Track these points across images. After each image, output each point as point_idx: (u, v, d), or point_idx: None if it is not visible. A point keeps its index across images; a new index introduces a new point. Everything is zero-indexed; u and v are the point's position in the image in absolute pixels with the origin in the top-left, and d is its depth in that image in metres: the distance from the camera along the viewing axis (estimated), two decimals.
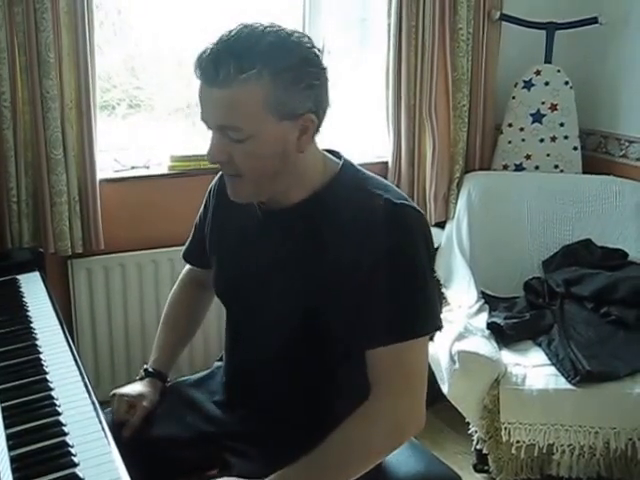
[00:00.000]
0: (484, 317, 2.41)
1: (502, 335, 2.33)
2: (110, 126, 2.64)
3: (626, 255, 2.69)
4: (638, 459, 2.19)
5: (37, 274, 1.86)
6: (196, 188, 2.13)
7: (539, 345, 2.32)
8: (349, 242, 1.20)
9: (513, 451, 2.17)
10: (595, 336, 2.30)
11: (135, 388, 1.44)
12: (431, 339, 1.30)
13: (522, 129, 2.90)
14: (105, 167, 2.49)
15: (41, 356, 1.39)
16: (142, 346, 2.58)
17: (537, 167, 2.93)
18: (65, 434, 1.12)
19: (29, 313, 1.61)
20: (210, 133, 1.21)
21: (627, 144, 2.94)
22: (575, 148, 2.92)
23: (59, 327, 1.54)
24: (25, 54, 2.18)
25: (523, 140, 2.91)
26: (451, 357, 2.20)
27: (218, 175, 1.45)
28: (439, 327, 1.25)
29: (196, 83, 1.23)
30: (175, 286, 1.63)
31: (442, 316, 1.28)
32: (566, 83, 2.87)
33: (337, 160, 1.31)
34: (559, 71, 2.86)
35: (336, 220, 1.23)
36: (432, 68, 2.71)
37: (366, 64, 2.92)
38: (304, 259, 1.25)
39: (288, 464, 1.16)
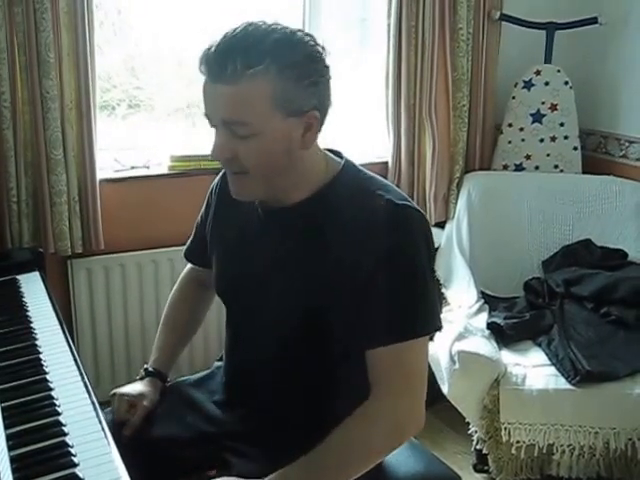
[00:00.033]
0: (484, 317, 2.41)
1: (502, 335, 2.33)
2: (110, 126, 2.64)
3: (626, 255, 2.69)
4: (638, 459, 2.19)
5: (37, 274, 1.86)
6: (196, 188, 2.13)
7: (539, 345, 2.32)
8: (350, 242, 1.20)
9: (513, 451, 2.17)
10: (595, 336, 2.30)
11: (135, 388, 1.44)
12: (431, 339, 1.30)
13: (522, 129, 2.90)
14: (105, 167, 2.49)
15: (41, 356, 1.39)
16: (142, 346, 2.58)
17: (537, 167, 2.93)
18: (65, 434, 1.12)
19: (29, 313, 1.61)
20: (213, 131, 1.21)
21: (627, 144, 2.94)
22: (575, 148, 2.92)
23: (59, 327, 1.54)
24: (25, 54, 2.17)
25: (523, 140, 2.91)
26: (451, 357, 2.20)
27: (220, 174, 1.45)
28: (439, 327, 1.26)
29: (197, 83, 1.22)
30: (176, 285, 1.63)
31: (442, 316, 1.28)
32: (566, 83, 2.87)
33: (339, 160, 1.31)
34: (559, 71, 2.86)
35: (337, 220, 1.23)
36: (432, 68, 2.71)
37: (366, 64, 2.92)
38: (304, 258, 1.26)
39: (288, 464, 1.16)
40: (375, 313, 1.20)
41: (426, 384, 1.25)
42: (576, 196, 2.83)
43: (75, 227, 2.35)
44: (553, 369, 2.19)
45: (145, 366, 1.50)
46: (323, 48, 1.20)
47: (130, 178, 2.52)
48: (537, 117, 2.89)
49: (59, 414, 1.17)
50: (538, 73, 2.86)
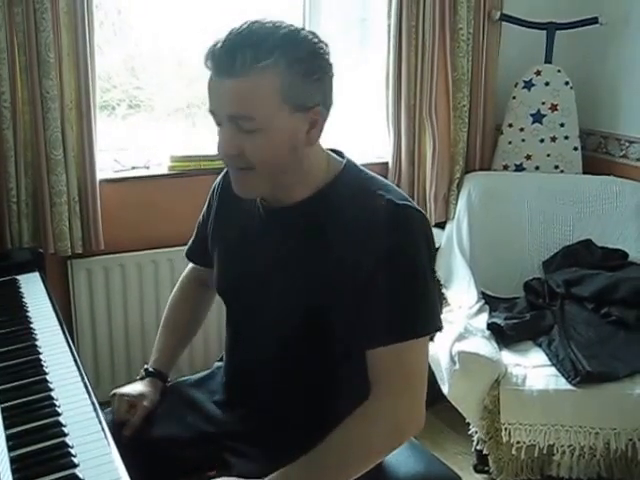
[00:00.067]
0: (484, 317, 2.41)
1: (502, 335, 2.33)
2: (110, 126, 2.64)
3: (626, 255, 2.69)
4: (638, 460, 2.18)
5: (37, 274, 1.85)
6: (196, 188, 2.13)
7: (539, 346, 2.32)
8: (351, 242, 1.20)
9: (513, 452, 2.17)
10: (595, 336, 2.30)
11: (136, 388, 1.44)
12: (431, 339, 1.30)
13: (522, 129, 2.90)
14: (105, 167, 2.49)
15: (41, 357, 1.39)
16: (142, 346, 2.58)
17: (537, 167, 2.93)
18: (65, 435, 1.11)
19: (29, 313, 1.61)
20: (216, 131, 1.21)
21: (627, 144, 2.94)
22: (575, 148, 2.92)
23: (59, 327, 1.54)
24: (25, 54, 2.17)
25: (523, 140, 2.91)
26: (451, 358, 2.20)
27: (222, 174, 1.46)
28: (439, 327, 1.26)
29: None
30: (177, 285, 1.63)
31: (442, 316, 1.28)
32: (566, 83, 2.87)
33: (340, 159, 1.31)
34: (559, 71, 2.86)
35: (338, 219, 1.23)
36: (432, 68, 2.71)
37: (366, 64, 2.92)
38: (305, 258, 1.26)
39: (288, 464, 1.16)
40: (375, 313, 1.20)
41: (426, 384, 1.25)
42: (576, 196, 2.83)
43: (75, 227, 2.35)
44: (553, 369, 2.19)
45: (145, 366, 1.50)
46: (326, 45, 1.21)
47: (130, 178, 2.52)
48: (537, 117, 2.89)
49: (59, 414, 1.17)
50: (538, 73, 2.86)
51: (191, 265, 1.62)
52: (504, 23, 2.84)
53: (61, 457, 1.06)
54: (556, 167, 2.93)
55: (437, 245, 2.62)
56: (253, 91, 1.13)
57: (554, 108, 2.88)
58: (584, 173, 2.93)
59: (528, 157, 2.92)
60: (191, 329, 1.61)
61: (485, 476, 2.33)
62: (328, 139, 1.29)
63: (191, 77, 2.75)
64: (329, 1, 2.77)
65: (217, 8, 2.63)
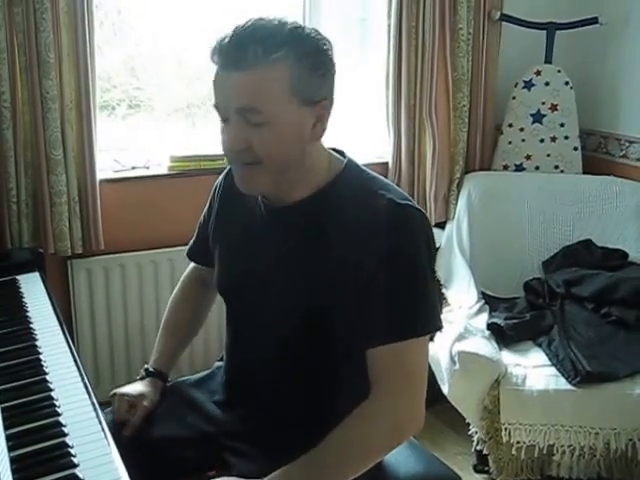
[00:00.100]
0: (484, 318, 2.41)
1: (502, 336, 2.33)
2: (110, 126, 2.64)
3: (626, 255, 2.69)
4: (638, 460, 2.18)
5: (37, 274, 1.85)
6: (196, 188, 2.13)
7: (539, 346, 2.32)
8: (351, 241, 1.21)
9: (513, 452, 2.17)
10: (595, 336, 2.30)
11: (136, 388, 1.44)
12: (431, 339, 1.30)
13: (522, 129, 2.90)
14: (105, 167, 2.49)
15: (41, 357, 1.39)
16: (142, 346, 2.58)
17: (537, 167, 2.93)
18: (65, 435, 1.11)
19: (29, 314, 1.61)
20: (221, 126, 1.22)
21: (627, 144, 2.94)
22: (575, 148, 2.92)
23: (59, 328, 1.54)
24: (25, 54, 2.17)
25: (523, 140, 2.91)
26: (451, 358, 2.20)
27: (223, 173, 1.46)
28: (439, 327, 1.26)
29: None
30: (178, 285, 1.63)
31: (442, 316, 1.28)
32: (566, 83, 2.87)
33: (341, 158, 1.32)
34: (559, 71, 2.86)
35: (339, 219, 1.24)
36: (432, 68, 2.71)
37: (366, 64, 2.92)
38: (306, 257, 1.26)
39: (288, 464, 1.16)
40: (376, 312, 1.20)
41: (426, 384, 1.25)
42: (576, 196, 2.83)
43: (75, 227, 2.35)
44: (553, 369, 2.19)
45: (146, 366, 1.50)
46: (329, 42, 1.22)
47: (130, 178, 2.52)
48: (537, 117, 2.89)
49: (59, 415, 1.17)
50: (538, 73, 2.86)
51: (192, 265, 1.62)
52: (504, 23, 2.84)
53: (61, 457, 1.06)
54: (556, 167, 2.93)
55: (437, 245, 2.62)
56: (263, 84, 1.14)
57: (554, 108, 2.88)
58: (584, 173, 2.93)
59: (528, 157, 2.92)
60: (192, 329, 1.61)
61: (485, 476, 2.33)
62: (328, 139, 1.29)
63: (191, 77, 2.75)
64: (329, 1, 2.77)
65: (217, 8, 2.63)
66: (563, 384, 2.14)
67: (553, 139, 2.91)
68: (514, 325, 2.36)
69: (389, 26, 2.67)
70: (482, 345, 2.21)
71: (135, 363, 2.56)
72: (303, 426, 1.27)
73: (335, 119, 1.27)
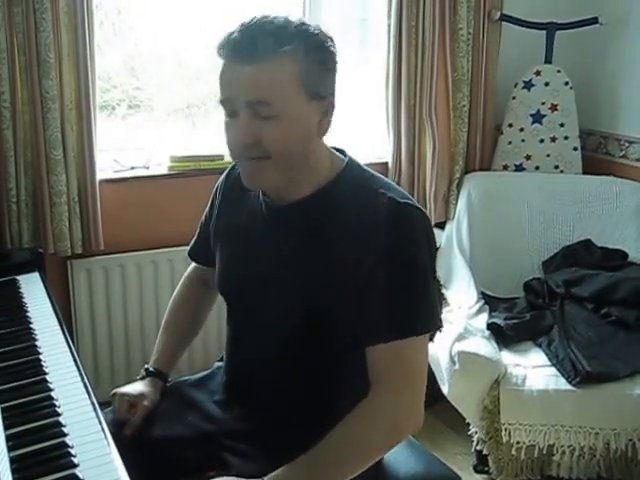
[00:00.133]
0: (484, 318, 2.41)
1: (502, 336, 2.33)
2: (110, 126, 2.64)
3: (626, 256, 2.69)
4: (638, 460, 2.18)
5: (37, 275, 1.85)
6: (196, 189, 2.13)
7: (539, 346, 2.32)
8: (352, 239, 1.21)
9: (513, 452, 2.17)
10: (595, 337, 2.30)
11: (136, 387, 1.44)
12: (431, 340, 1.30)
13: (522, 129, 2.90)
14: (105, 167, 2.49)
15: (41, 357, 1.39)
16: (142, 347, 2.58)
17: (537, 167, 2.93)
18: (65, 435, 1.11)
19: (29, 314, 1.61)
20: (227, 123, 1.22)
21: (627, 144, 2.94)
22: (575, 148, 2.92)
23: (59, 328, 1.54)
24: (25, 54, 2.17)
25: (523, 140, 2.91)
26: (451, 358, 2.20)
27: (224, 173, 1.47)
28: (439, 326, 1.26)
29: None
30: (179, 285, 1.63)
31: (442, 316, 1.28)
32: (566, 83, 2.87)
33: (343, 157, 1.32)
34: (559, 71, 2.86)
35: (340, 218, 1.24)
36: (432, 68, 2.71)
37: (366, 64, 2.92)
38: (307, 256, 1.26)
39: (288, 463, 1.16)
40: (376, 310, 1.20)
41: (425, 382, 1.25)
42: (576, 196, 2.83)
43: (75, 227, 2.35)
44: (553, 370, 2.19)
45: (146, 366, 1.50)
46: (332, 40, 1.23)
47: (130, 179, 2.52)
48: (537, 117, 2.89)
49: (59, 415, 1.17)
50: (538, 73, 2.86)
51: (193, 265, 1.62)
52: (504, 23, 2.84)
53: (61, 457, 1.06)
54: (556, 167, 2.93)
55: (437, 245, 2.62)
56: (274, 76, 1.15)
57: (554, 108, 2.88)
58: (584, 173, 2.93)
59: (528, 157, 2.92)
60: (192, 329, 1.61)
61: (485, 476, 2.33)
62: (329, 138, 1.30)
63: (191, 77, 2.75)
64: (329, 1, 2.77)
65: (217, 8, 2.63)
66: (563, 384, 2.14)
67: (553, 139, 2.91)
68: (514, 325, 2.36)
69: (389, 26, 2.68)
70: (482, 345, 2.21)
71: (135, 363, 2.56)
72: (303, 426, 1.26)
73: (335, 119, 1.27)
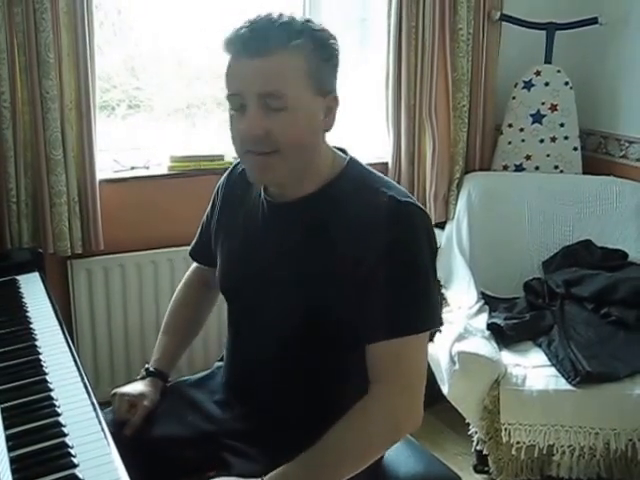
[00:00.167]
0: (484, 318, 2.41)
1: (502, 336, 2.33)
2: (110, 126, 2.64)
3: (626, 256, 2.69)
4: (638, 460, 2.18)
5: (36, 275, 1.85)
6: (196, 189, 2.13)
7: (539, 346, 2.32)
8: (353, 238, 1.21)
9: (513, 452, 2.17)
10: (595, 337, 2.30)
11: (136, 387, 1.44)
12: (431, 340, 1.30)
13: (522, 129, 2.90)
14: (105, 167, 2.49)
15: (41, 357, 1.39)
16: (141, 347, 2.58)
17: (537, 168, 2.93)
18: (65, 435, 1.11)
19: (28, 314, 1.61)
20: (233, 117, 1.22)
21: (627, 144, 2.94)
22: (575, 148, 2.92)
23: (59, 328, 1.54)
24: (25, 54, 2.17)
25: (523, 141, 2.91)
26: (451, 358, 2.19)
27: (226, 173, 1.48)
28: (440, 324, 1.26)
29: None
30: (180, 285, 1.63)
31: (442, 315, 1.28)
32: (566, 83, 2.87)
33: (344, 156, 1.33)
34: (559, 71, 2.86)
35: (341, 216, 1.24)
36: (432, 68, 2.71)
37: (366, 64, 2.92)
38: (307, 255, 1.26)
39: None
40: (376, 308, 1.20)
41: (425, 381, 1.26)
42: (576, 196, 2.83)
43: (75, 227, 2.35)
44: (553, 370, 2.19)
45: (146, 366, 1.51)
46: (335, 38, 1.24)
47: (130, 179, 2.52)
48: (537, 117, 2.89)
49: (59, 415, 1.17)
50: (538, 73, 2.86)
51: (194, 265, 1.62)
52: (504, 23, 2.84)
53: (61, 457, 1.06)
54: (556, 167, 2.93)
55: (438, 245, 2.61)
56: (284, 69, 1.17)
57: (554, 108, 2.88)
58: (584, 173, 2.93)
59: (528, 157, 2.92)
60: (193, 330, 1.61)
61: (485, 476, 2.33)
62: (329, 138, 1.30)
63: (191, 77, 2.75)
64: (329, 1, 2.77)
65: (217, 8, 2.63)
66: (563, 384, 2.14)
67: (553, 139, 2.91)
68: (514, 325, 2.36)
69: (389, 26, 2.68)
70: (482, 345, 2.21)
71: (135, 363, 2.56)
72: (303, 426, 1.26)
73: (336, 118, 1.27)
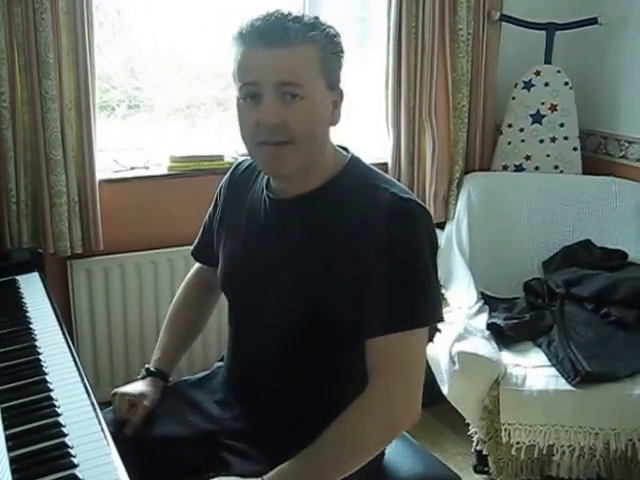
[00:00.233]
0: (484, 318, 2.41)
1: (502, 336, 2.33)
2: (109, 127, 2.64)
3: (626, 256, 2.69)
4: (638, 460, 2.18)
5: (36, 275, 1.85)
6: (195, 189, 2.14)
7: (539, 346, 2.31)
8: (353, 234, 1.22)
9: (513, 452, 2.17)
10: (595, 337, 2.30)
11: (136, 387, 1.44)
12: (431, 340, 1.30)
13: (522, 130, 2.90)
14: (104, 168, 2.49)
15: (40, 357, 1.39)
16: (141, 347, 2.58)
17: (537, 168, 2.93)
18: (65, 435, 1.11)
19: (28, 314, 1.61)
20: (242, 106, 1.24)
21: (627, 145, 2.94)
22: (575, 149, 2.92)
23: (58, 328, 1.54)
24: (24, 54, 2.17)
25: (523, 141, 2.91)
26: (451, 358, 2.19)
27: (228, 173, 1.48)
28: (438, 320, 1.26)
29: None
30: (181, 286, 1.63)
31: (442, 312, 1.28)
32: (566, 84, 2.87)
33: (345, 154, 1.34)
34: (559, 72, 2.86)
35: (342, 212, 1.25)
36: (432, 69, 2.71)
37: (366, 64, 2.92)
38: (307, 255, 1.26)
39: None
40: (376, 303, 1.20)
41: (423, 377, 1.26)
42: (576, 197, 2.83)
43: (75, 228, 2.35)
44: (553, 370, 2.19)
45: (147, 365, 1.51)
46: (339, 35, 1.27)
47: (130, 179, 2.52)
48: (537, 118, 2.89)
49: (59, 415, 1.17)
50: (538, 74, 2.86)
51: (196, 266, 1.63)
52: (504, 23, 2.84)
53: (61, 457, 1.06)
54: (556, 167, 2.93)
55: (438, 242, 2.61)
56: (302, 59, 1.19)
57: (554, 108, 2.88)
58: (584, 173, 2.93)
59: (528, 157, 2.92)
60: (193, 331, 1.62)
61: (485, 477, 2.33)
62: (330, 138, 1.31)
63: (191, 77, 2.75)
64: (329, 1, 2.77)
65: (217, 8, 2.63)
66: (563, 384, 2.14)
67: (553, 139, 2.91)
68: (514, 325, 2.36)
69: (389, 26, 2.68)
70: (482, 345, 2.21)
71: (134, 363, 2.56)
72: (303, 426, 1.26)
73: None
